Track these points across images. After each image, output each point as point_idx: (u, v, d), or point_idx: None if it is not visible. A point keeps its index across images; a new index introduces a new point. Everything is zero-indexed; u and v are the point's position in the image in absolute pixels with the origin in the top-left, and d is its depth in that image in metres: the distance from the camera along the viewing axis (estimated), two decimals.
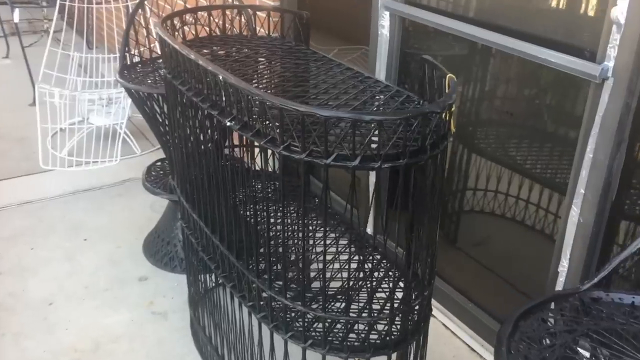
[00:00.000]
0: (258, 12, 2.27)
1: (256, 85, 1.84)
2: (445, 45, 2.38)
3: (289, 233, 2.08)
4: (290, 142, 1.40)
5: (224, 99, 1.55)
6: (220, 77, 1.52)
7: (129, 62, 2.72)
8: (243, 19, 2.30)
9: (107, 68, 4.53)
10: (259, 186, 2.12)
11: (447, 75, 1.52)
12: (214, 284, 2.21)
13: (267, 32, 2.25)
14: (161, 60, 2.81)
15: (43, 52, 3.89)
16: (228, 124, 1.55)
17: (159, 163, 2.98)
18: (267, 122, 1.43)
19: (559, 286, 1.94)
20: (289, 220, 2.13)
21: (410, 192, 1.46)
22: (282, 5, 3.03)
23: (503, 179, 2.22)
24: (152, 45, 2.85)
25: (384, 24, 2.42)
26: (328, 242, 2.07)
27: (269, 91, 1.78)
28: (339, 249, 2.04)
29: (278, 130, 1.39)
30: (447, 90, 1.52)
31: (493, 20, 2.06)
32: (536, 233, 2.14)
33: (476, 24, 2.05)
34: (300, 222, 1.88)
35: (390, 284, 1.86)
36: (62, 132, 3.99)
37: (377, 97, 1.73)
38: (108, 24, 5.29)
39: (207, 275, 2.23)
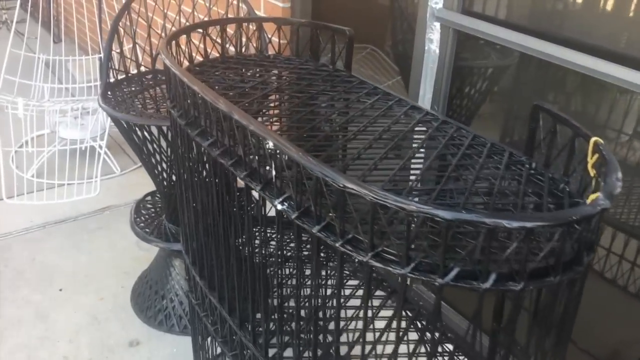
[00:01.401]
0: (282, 27, 1.78)
1: (301, 140, 1.37)
2: (511, 65, 1.94)
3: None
4: (384, 248, 0.95)
5: (273, 173, 1.09)
6: (271, 144, 1.05)
7: (112, 80, 2.22)
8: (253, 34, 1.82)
9: (79, 70, 4.00)
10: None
11: (592, 140, 1.07)
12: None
13: (294, 52, 1.78)
14: (148, 72, 2.32)
15: (2, 47, 3.33)
16: (279, 207, 1.09)
17: (149, 198, 2.50)
18: (348, 219, 0.97)
19: None
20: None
21: (550, 313, 1.03)
22: (295, 6, 2.55)
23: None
24: (131, 43, 2.34)
25: (433, 38, 1.96)
26: (379, 322, 1.63)
27: (316, 148, 1.32)
28: (390, 327, 1.60)
29: (365, 231, 0.94)
30: (590, 158, 1.08)
31: (583, 39, 1.63)
32: None
33: (562, 44, 1.62)
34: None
35: None
36: (28, 147, 3.46)
37: (472, 156, 1.28)
38: (78, 17, 4.72)
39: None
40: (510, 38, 1.74)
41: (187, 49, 1.65)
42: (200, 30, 1.69)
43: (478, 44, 1.97)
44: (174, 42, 1.56)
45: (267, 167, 1.13)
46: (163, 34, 2.35)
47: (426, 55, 2.00)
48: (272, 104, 1.46)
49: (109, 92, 2.15)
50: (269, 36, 1.81)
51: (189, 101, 1.33)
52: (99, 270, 2.62)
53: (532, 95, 1.87)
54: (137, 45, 2.30)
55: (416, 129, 1.39)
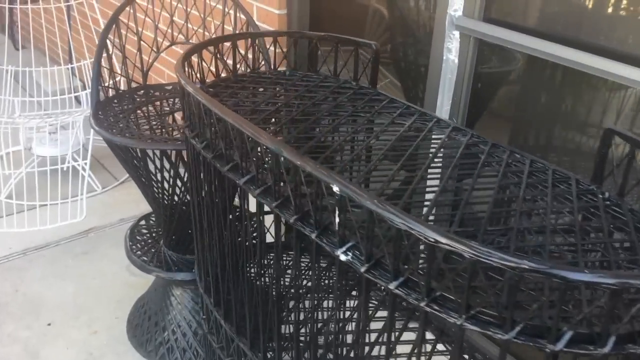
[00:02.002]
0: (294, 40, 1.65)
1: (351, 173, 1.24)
2: (535, 72, 1.84)
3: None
4: (480, 309, 0.83)
5: (337, 220, 0.95)
6: (336, 189, 0.92)
7: (102, 98, 2.05)
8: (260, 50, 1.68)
9: (47, 80, 3.78)
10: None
11: None
12: None
13: (310, 67, 1.64)
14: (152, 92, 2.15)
15: None
16: (343, 257, 0.96)
17: (142, 222, 2.32)
18: (436, 274, 0.85)
19: None
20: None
21: None
22: (291, 13, 2.41)
23: None
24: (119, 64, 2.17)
25: (452, 47, 1.85)
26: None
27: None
28: None
29: (458, 290, 0.82)
30: None
31: (613, 46, 1.54)
32: None
33: (592, 51, 1.52)
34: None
35: None
36: (3, 166, 3.24)
37: (537, 185, 1.17)
38: (40, 24, 4.47)
39: None
40: (536, 46, 1.64)
41: (199, 68, 1.50)
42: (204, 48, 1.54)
43: (500, 52, 1.86)
44: (186, 61, 1.41)
45: (322, 210, 1.00)
46: (154, 48, 2.19)
47: (444, 66, 1.89)
48: (302, 130, 1.32)
49: (100, 112, 1.98)
50: (284, 50, 1.67)
51: (216, 131, 1.18)
52: (88, 300, 2.45)
53: (556, 103, 1.78)
54: (124, 60, 2.13)
55: (466, 153, 1.28)
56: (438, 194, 1.11)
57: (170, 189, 1.95)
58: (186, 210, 2.05)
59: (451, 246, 0.80)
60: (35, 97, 3.38)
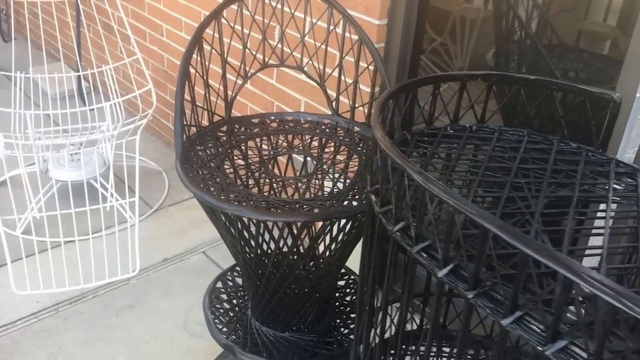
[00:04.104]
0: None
1: None
2: None
3: None
4: None
5: None
6: None
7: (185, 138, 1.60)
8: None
9: (49, 81, 3.27)
10: None
11: None
12: None
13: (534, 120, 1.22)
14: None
15: None
16: None
17: (219, 285, 1.88)
18: None
19: None
20: None
21: None
22: (393, 24, 1.97)
23: None
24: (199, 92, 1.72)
25: None
26: None
27: None
28: None
29: None
30: None
31: None
32: None
33: None
34: None
35: None
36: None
37: None
38: (44, 17, 3.94)
39: None
40: None
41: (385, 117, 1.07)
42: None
43: None
44: (385, 107, 0.98)
45: None
46: (241, 74, 1.73)
47: (636, 104, 1.49)
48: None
49: (187, 164, 1.53)
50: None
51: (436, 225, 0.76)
52: None
53: None
54: (206, 90, 1.68)
55: None
56: None
57: (281, 259, 1.52)
58: (292, 277, 1.62)
59: None
60: (50, 110, 2.86)
